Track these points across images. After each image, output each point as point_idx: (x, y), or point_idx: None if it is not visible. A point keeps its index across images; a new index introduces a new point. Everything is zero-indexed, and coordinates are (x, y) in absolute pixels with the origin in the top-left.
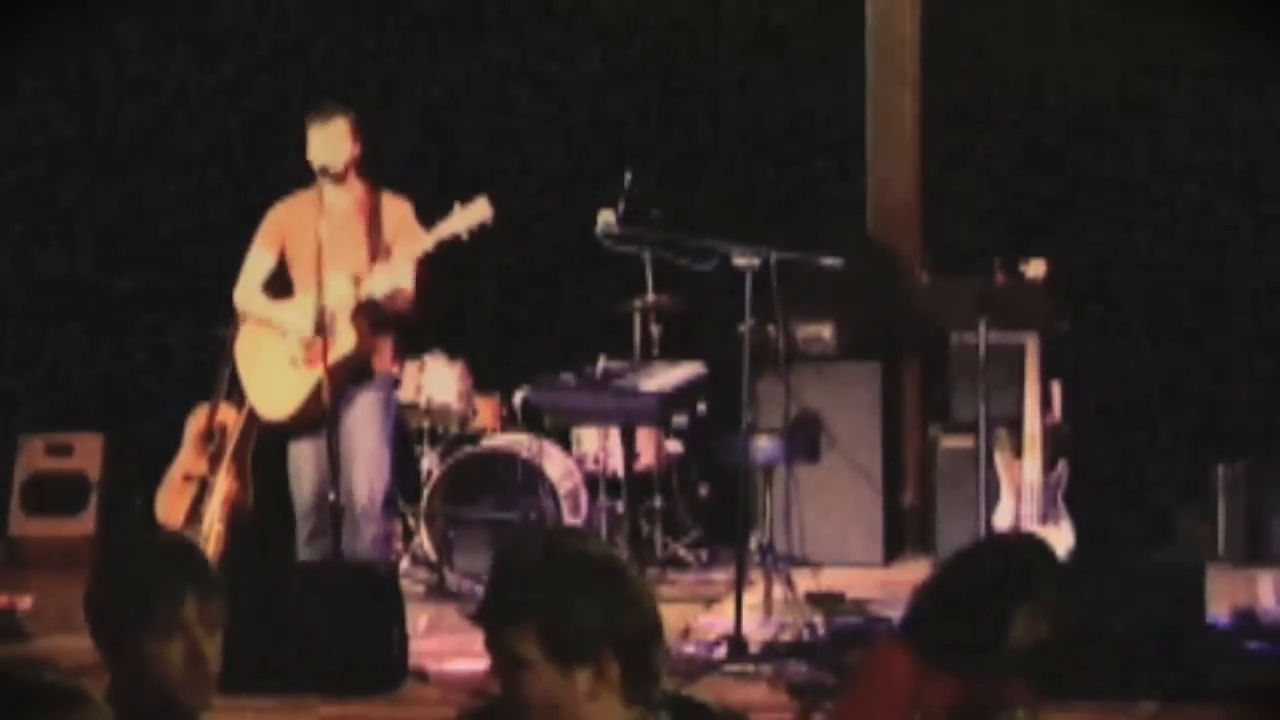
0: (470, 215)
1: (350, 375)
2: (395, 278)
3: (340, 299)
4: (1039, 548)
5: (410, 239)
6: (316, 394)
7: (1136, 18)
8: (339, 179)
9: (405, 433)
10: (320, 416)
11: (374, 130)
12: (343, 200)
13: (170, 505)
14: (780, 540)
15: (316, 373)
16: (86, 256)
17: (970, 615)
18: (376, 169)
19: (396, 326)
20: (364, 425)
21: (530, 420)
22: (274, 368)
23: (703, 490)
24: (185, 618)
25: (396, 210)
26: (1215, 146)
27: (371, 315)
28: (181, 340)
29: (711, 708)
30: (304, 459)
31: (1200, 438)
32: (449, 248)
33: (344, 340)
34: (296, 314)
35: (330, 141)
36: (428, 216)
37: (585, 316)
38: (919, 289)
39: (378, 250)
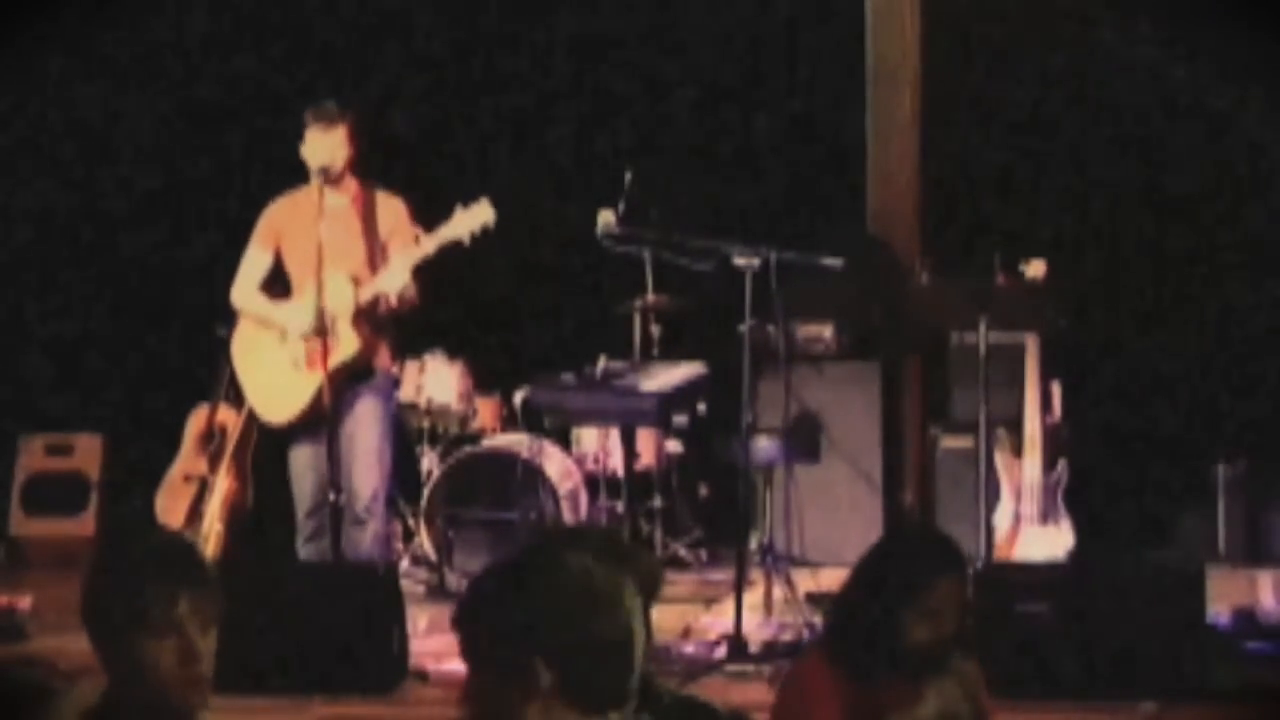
0: (472, 218)
1: (350, 376)
2: (404, 275)
3: (341, 302)
4: (933, 547)
5: (406, 238)
6: (318, 397)
7: (1134, 16)
8: (335, 179)
9: (405, 433)
10: (320, 418)
11: (373, 130)
12: (339, 200)
13: (170, 505)
14: (780, 540)
15: (318, 376)
16: (86, 256)
17: (862, 622)
18: (376, 169)
19: (395, 326)
20: (364, 425)
21: (530, 420)
22: (275, 370)
23: (703, 490)
24: (178, 617)
25: (391, 209)
26: (1217, 142)
27: (372, 317)
28: (181, 340)
29: (715, 708)
30: (304, 460)
31: (1200, 438)
32: (448, 251)
33: (346, 343)
34: (295, 314)
35: (329, 142)
36: (426, 216)
37: (585, 316)
38: (919, 289)
39: (374, 250)
